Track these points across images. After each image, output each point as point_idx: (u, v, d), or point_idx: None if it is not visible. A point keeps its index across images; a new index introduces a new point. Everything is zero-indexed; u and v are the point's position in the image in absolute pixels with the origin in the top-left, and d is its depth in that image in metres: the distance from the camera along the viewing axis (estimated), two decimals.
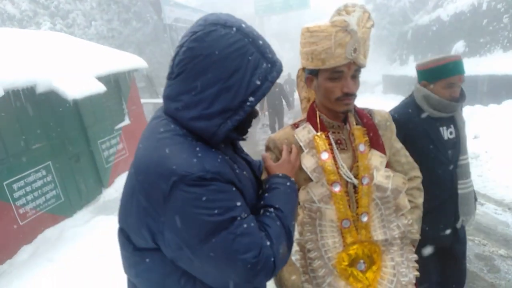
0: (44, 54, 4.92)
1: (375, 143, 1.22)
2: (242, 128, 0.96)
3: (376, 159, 1.20)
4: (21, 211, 4.09)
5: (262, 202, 0.96)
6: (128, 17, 13.34)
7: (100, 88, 4.94)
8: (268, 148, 1.26)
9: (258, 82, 0.85)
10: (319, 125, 1.20)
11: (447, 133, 1.75)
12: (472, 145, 5.33)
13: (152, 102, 9.74)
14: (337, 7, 1.06)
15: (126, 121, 6.56)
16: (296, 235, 1.24)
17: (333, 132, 1.21)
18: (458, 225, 1.85)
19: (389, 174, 1.21)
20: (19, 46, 4.82)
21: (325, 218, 1.16)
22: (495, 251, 3.02)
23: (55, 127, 4.74)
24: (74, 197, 4.99)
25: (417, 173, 1.38)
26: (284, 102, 8.14)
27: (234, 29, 0.84)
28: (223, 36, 0.83)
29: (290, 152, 1.16)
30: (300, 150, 1.20)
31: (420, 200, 1.35)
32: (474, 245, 3.13)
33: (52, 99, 4.52)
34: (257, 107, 0.99)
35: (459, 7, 11.25)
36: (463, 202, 1.81)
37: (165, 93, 0.91)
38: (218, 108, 0.84)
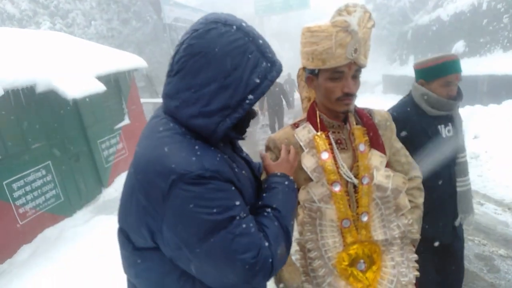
0: (44, 54, 4.91)
1: (375, 143, 1.22)
2: (241, 128, 0.96)
3: (376, 159, 1.20)
4: (20, 210, 4.09)
5: (260, 202, 0.96)
6: (128, 16, 13.33)
7: (100, 87, 4.94)
8: (268, 148, 1.26)
9: (258, 81, 0.85)
10: (319, 125, 1.20)
11: (445, 131, 1.76)
12: (472, 145, 5.33)
13: (152, 101, 9.74)
14: (338, 7, 1.06)
15: (126, 121, 6.56)
16: (296, 234, 1.23)
17: (333, 132, 1.21)
18: (457, 223, 1.86)
19: (389, 174, 1.21)
20: (19, 46, 4.81)
21: (325, 218, 1.16)
22: (495, 251, 3.02)
23: (55, 127, 4.73)
24: (74, 196, 4.99)
25: (417, 173, 1.38)
26: (284, 102, 8.14)
27: (235, 27, 0.85)
28: (223, 34, 0.83)
29: (289, 151, 1.16)
30: (300, 149, 1.20)
31: (420, 200, 1.35)
32: (474, 245, 3.13)
33: (51, 98, 4.52)
34: (257, 107, 0.99)
35: (459, 7, 11.26)
36: (461, 200, 1.83)
37: (165, 91, 0.91)
38: (217, 106, 0.84)
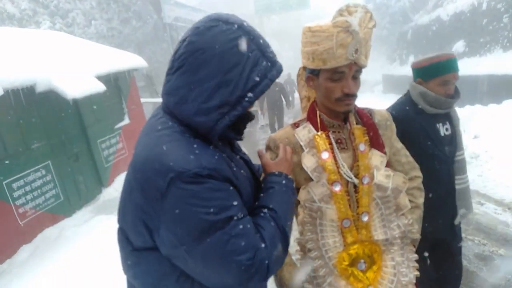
0: (44, 53, 4.91)
1: (375, 142, 1.22)
2: (238, 128, 0.96)
3: (376, 158, 1.20)
4: (20, 210, 4.09)
5: (256, 203, 0.96)
6: (128, 16, 13.32)
7: (100, 87, 4.93)
8: (268, 148, 1.25)
9: (257, 79, 0.85)
10: (319, 125, 1.20)
11: (443, 129, 1.78)
12: (472, 145, 5.33)
13: (152, 101, 9.73)
14: (339, 7, 1.06)
15: (126, 121, 6.56)
16: (296, 234, 1.23)
17: (334, 132, 1.21)
18: (456, 221, 1.88)
19: (389, 174, 1.21)
20: (19, 45, 4.81)
21: (325, 218, 1.16)
22: (495, 250, 3.02)
23: (55, 127, 4.73)
24: (74, 196, 4.99)
25: (418, 173, 1.38)
26: (284, 102, 8.14)
27: (236, 26, 0.85)
28: (224, 32, 0.84)
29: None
30: (300, 149, 1.20)
31: (420, 200, 1.35)
32: (474, 245, 3.13)
33: (51, 98, 4.52)
34: (257, 107, 0.99)
35: (459, 6, 11.26)
36: (460, 197, 1.86)
37: (164, 89, 0.91)
38: (217, 102, 0.84)
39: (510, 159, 4.69)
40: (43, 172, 4.46)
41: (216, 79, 0.83)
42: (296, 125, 1.26)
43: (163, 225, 0.80)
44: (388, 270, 1.20)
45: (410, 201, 1.27)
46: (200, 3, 20.29)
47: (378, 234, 1.19)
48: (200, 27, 0.86)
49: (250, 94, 0.86)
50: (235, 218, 0.81)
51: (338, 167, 1.16)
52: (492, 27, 9.52)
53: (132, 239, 0.90)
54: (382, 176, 1.18)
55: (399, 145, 1.36)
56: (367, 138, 1.21)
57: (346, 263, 1.17)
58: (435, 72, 1.69)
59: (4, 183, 3.88)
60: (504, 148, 4.96)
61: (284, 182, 1.00)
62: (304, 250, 1.21)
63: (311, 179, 1.17)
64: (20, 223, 4.06)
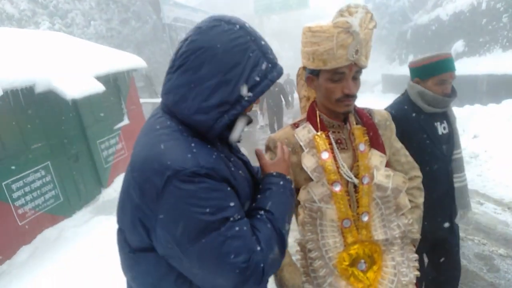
0: (43, 54, 4.90)
1: (375, 142, 1.22)
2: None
3: (376, 158, 1.20)
4: (20, 211, 4.08)
5: (253, 204, 0.95)
6: (127, 16, 13.31)
7: (99, 87, 4.93)
8: (268, 148, 1.25)
9: (257, 79, 0.86)
10: (319, 125, 1.20)
11: (441, 128, 1.81)
12: (472, 145, 5.33)
13: (151, 101, 9.72)
14: (339, 8, 1.05)
15: (125, 121, 6.55)
16: (296, 235, 1.23)
17: (333, 132, 1.21)
18: (457, 220, 1.90)
19: (389, 174, 1.20)
20: (18, 46, 4.80)
21: (325, 218, 1.16)
22: (494, 250, 3.02)
23: (54, 127, 4.73)
24: (73, 197, 4.98)
25: (417, 172, 1.38)
26: (283, 102, 8.14)
27: (238, 26, 0.86)
28: (226, 31, 0.85)
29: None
30: (300, 149, 1.20)
31: (420, 200, 1.35)
32: (474, 245, 3.13)
33: (51, 99, 4.51)
34: (256, 107, 0.99)
35: (459, 6, 11.27)
36: (458, 196, 1.89)
37: (164, 88, 0.91)
38: (216, 101, 0.84)
39: (510, 158, 4.70)
40: (43, 172, 4.45)
41: (217, 78, 0.83)
42: (295, 125, 1.25)
43: (159, 224, 0.80)
44: (389, 270, 1.20)
45: (410, 201, 1.27)
46: (199, 4, 20.30)
47: (378, 234, 1.18)
48: (202, 27, 0.86)
49: (250, 94, 0.86)
50: (232, 219, 0.81)
51: (338, 167, 1.16)
52: (492, 27, 9.53)
53: (129, 239, 0.90)
54: (382, 176, 1.18)
55: (398, 145, 1.36)
56: (367, 138, 1.20)
57: (347, 263, 1.17)
58: (433, 72, 1.71)
59: (3, 184, 3.87)
60: (504, 148, 4.96)
61: (281, 183, 0.99)
62: (304, 251, 1.21)
63: (311, 179, 1.16)
64: (20, 224, 4.05)
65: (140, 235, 0.85)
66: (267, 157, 1.20)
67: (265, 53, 0.88)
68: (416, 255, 1.27)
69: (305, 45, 1.13)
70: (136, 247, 0.89)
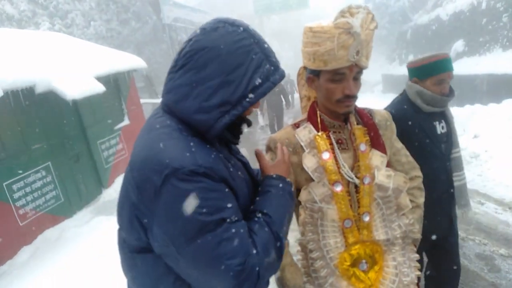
0: (43, 55, 4.91)
1: (376, 142, 1.22)
2: (236, 132, 0.96)
3: (377, 158, 1.20)
4: (21, 211, 4.09)
5: (252, 206, 0.94)
6: (127, 17, 13.32)
7: (99, 88, 4.93)
8: (269, 148, 1.25)
9: (260, 81, 0.86)
10: (319, 125, 1.20)
11: (439, 127, 1.83)
12: (472, 145, 5.33)
13: (151, 102, 9.73)
14: (341, 9, 1.05)
15: (126, 121, 6.55)
16: (297, 235, 1.23)
17: (334, 132, 1.21)
18: (460, 214, 1.92)
19: (390, 174, 1.20)
20: (18, 47, 4.80)
21: (326, 218, 1.16)
22: (495, 250, 3.01)
23: (55, 128, 4.73)
24: (74, 197, 4.98)
25: (418, 172, 1.38)
26: (284, 102, 8.15)
27: (242, 28, 0.87)
28: (230, 33, 0.85)
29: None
30: (301, 150, 1.20)
31: (421, 199, 1.36)
32: (475, 245, 3.13)
33: (51, 99, 4.52)
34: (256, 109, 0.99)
35: (459, 6, 11.26)
36: (458, 194, 1.91)
37: (166, 88, 0.92)
38: (218, 101, 0.84)
39: (510, 158, 4.69)
40: (43, 173, 4.46)
41: (219, 78, 0.84)
42: (296, 125, 1.25)
43: (156, 222, 0.80)
44: (390, 270, 1.20)
45: (411, 201, 1.27)
46: (199, 4, 20.31)
47: (380, 234, 1.18)
48: (206, 28, 0.87)
49: (251, 95, 0.86)
50: (228, 220, 0.80)
51: (339, 168, 1.16)
52: (492, 27, 9.52)
53: (127, 238, 0.90)
54: (383, 176, 1.18)
55: (399, 145, 1.36)
56: (367, 138, 1.20)
57: (348, 263, 1.17)
58: (431, 72, 1.74)
59: (4, 184, 3.88)
60: (504, 148, 4.96)
61: (281, 185, 0.98)
62: (305, 251, 1.21)
63: (312, 180, 1.16)
64: (21, 224, 4.06)
65: (138, 234, 0.85)
66: (267, 157, 1.20)
67: (268, 55, 0.88)
68: (417, 255, 1.27)
69: (306, 45, 1.13)
70: (135, 247, 0.89)
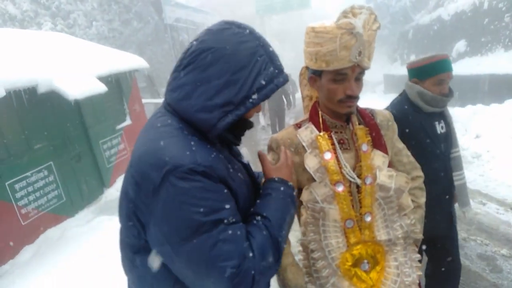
0: (45, 55, 4.92)
1: (378, 143, 1.22)
2: (237, 133, 0.97)
3: (378, 159, 1.20)
4: (23, 211, 4.10)
5: (252, 209, 0.94)
6: (129, 17, 13.33)
7: (101, 88, 4.94)
8: (270, 149, 1.25)
9: (263, 82, 0.87)
10: (321, 125, 1.20)
11: (439, 127, 1.85)
12: (474, 145, 5.32)
13: (153, 102, 9.74)
14: (343, 9, 1.05)
15: (128, 121, 6.57)
16: (299, 235, 1.23)
17: (336, 132, 1.21)
18: (462, 216, 1.95)
19: (392, 174, 1.20)
20: (21, 47, 4.82)
21: (328, 218, 1.16)
22: (497, 251, 3.01)
23: (57, 127, 4.74)
24: (76, 197, 5.00)
25: (419, 173, 1.38)
26: (285, 102, 8.16)
27: (248, 30, 0.88)
28: (236, 34, 0.86)
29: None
30: (303, 150, 1.20)
31: (422, 200, 1.36)
32: (476, 245, 3.13)
33: (53, 99, 4.53)
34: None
35: (460, 6, 11.23)
36: (458, 194, 1.94)
37: (169, 86, 0.92)
38: (221, 101, 0.85)
39: None
40: (46, 172, 4.47)
41: (224, 78, 0.84)
42: (298, 125, 1.25)
43: (152, 220, 0.80)
44: (391, 271, 1.20)
45: (412, 201, 1.27)
46: (201, 4, 20.29)
47: (381, 235, 1.18)
48: (213, 29, 0.89)
49: (254, 96, 0.87)
50: (226, 221, 0.79)
51: (340, 168, 1.16)
52: (494, 27, 9.49)
53: (127, 235, 0.90)
54: (384, 176, 1.18)
55: (400, 145, 1.36)
56: (369, 138, 1.21)
57: (349, 263, 1.17)
58: (431, 72, 1.76)
59: (6, 184, 3.89)
60: (506, 148, 4.95)
61: (282, 189, 0.97)
62: (307, 251, 1.21)
63: (314, 180, 1.16)
64: (23, 223, 4.07)
65: (137, 230, 0.85)
66: (269, 157, 1.20)
67: (272, 58, 0.89)
68: (419, 255, 1.27)
69: (308, 45, 1.13)
70: (134, 246, 0.89)
